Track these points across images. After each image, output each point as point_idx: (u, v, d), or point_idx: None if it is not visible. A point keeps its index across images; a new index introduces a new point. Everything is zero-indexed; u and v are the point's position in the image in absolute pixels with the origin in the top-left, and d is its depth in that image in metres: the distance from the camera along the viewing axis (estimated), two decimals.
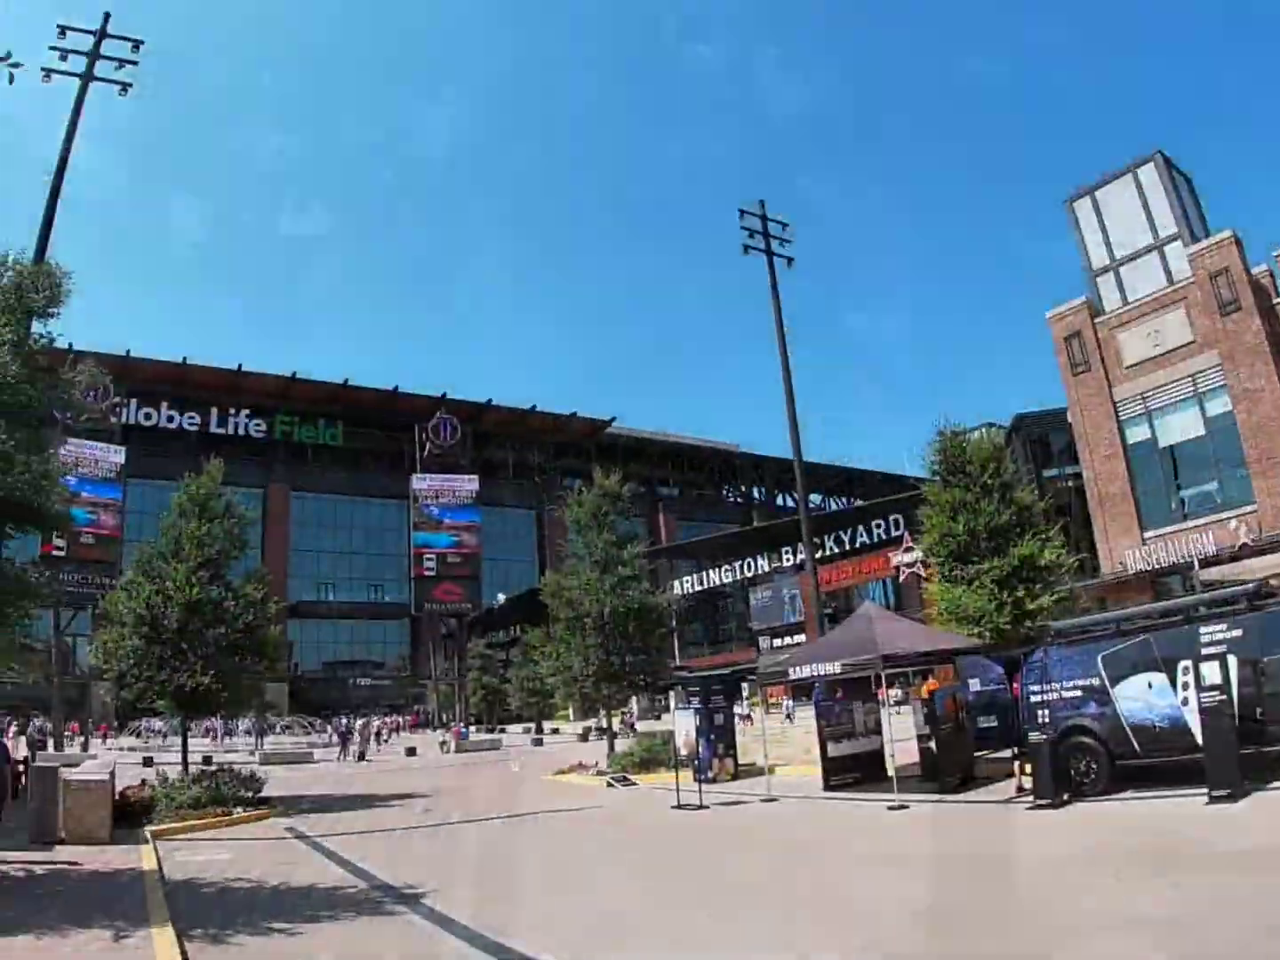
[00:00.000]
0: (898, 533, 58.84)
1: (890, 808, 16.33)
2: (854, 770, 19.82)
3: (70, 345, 50.96)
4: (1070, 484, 42.09)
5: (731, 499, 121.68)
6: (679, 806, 18.76)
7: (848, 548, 66.21)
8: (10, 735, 46.67)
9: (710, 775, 22.74)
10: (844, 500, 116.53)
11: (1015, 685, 17.16)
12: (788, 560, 69.73)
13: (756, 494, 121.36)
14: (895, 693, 36.08)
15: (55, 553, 56.12)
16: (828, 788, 19.35)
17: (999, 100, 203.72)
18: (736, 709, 36.81)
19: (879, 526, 63.72)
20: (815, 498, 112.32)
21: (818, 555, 49.94)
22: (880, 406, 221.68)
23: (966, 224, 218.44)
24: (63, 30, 24.35)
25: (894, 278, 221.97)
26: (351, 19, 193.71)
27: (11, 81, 4.68)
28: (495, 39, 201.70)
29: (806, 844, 14.25)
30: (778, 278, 34.34)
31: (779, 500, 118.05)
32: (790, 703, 46.57)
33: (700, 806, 18.71)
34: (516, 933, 9.19)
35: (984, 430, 27.03)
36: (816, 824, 16.40)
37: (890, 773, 17.78)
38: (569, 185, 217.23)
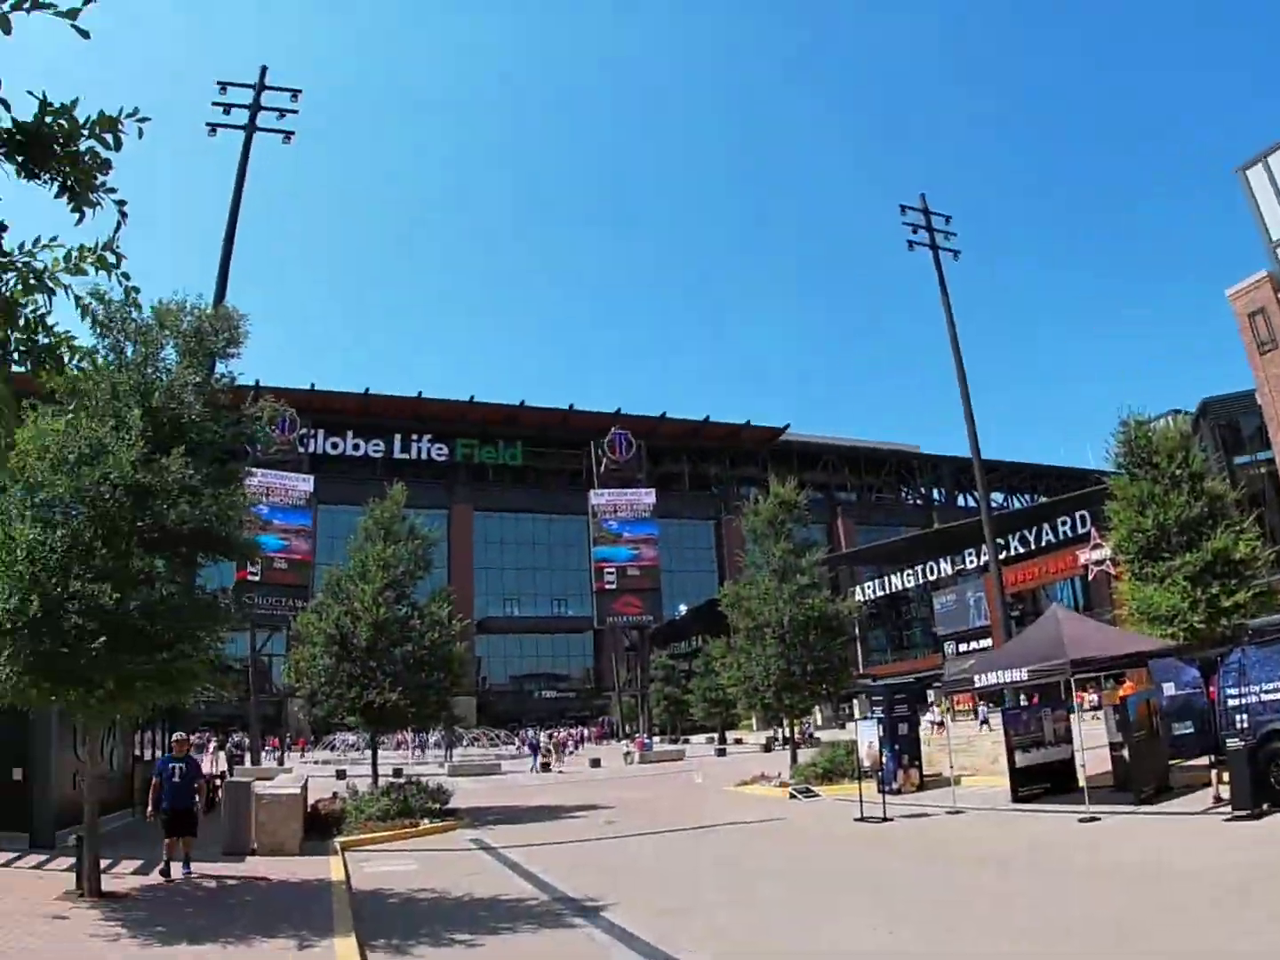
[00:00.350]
0: (1084, 530, 56.16)
1: (1080, 820, 15.66)
2: (1043, 780, 19.06)
3: (257, 382, 53.94)
4: (1264, 470, 39.40)
5: (911, 501, 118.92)
6: (862, 819, 18.42)
7: (1032, 547, 63.32)
8: (211, 751, 49.58)
9: (894, 787, 22.23)
10: (1027, 498, 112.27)
11: (1211, 688, 16.22)
12: (971, 562, 67.41)
13: (936, 495, 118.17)
14: (1093, 698, 34.63)
15: (250, 577, 59.01)
16: (1016, 799, 18.66)
17: (1152, 76, 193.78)
18: (929, 716, 35.86)
19: (1064, 524, 60.80)
20: (997, 496, 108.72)
21: (1001, 556, 48.26)
22: (1059, 398, 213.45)
23: (1127, 206, 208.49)
24: (223, 86, 25.77)
25: (1059, 265, 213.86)
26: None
27: (141, 136, 5.02)
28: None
29: (991, 858, 13.72)
30: (945, 272, 33.55)
31: (960, 500, 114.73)
32: (985, 709, 45.18)
33: (883, 819, 18.29)
34: (695, 949, 9.19)
35: (1169, 418, 25.65)
36: (1002, 837, 15.79)
37: (1081, 783, 17.01)
38: (731, 198, 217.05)
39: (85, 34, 4.02)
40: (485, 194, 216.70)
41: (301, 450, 72.51)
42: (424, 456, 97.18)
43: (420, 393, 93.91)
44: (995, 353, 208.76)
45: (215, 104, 25.51)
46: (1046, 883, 11.44)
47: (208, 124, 25.52)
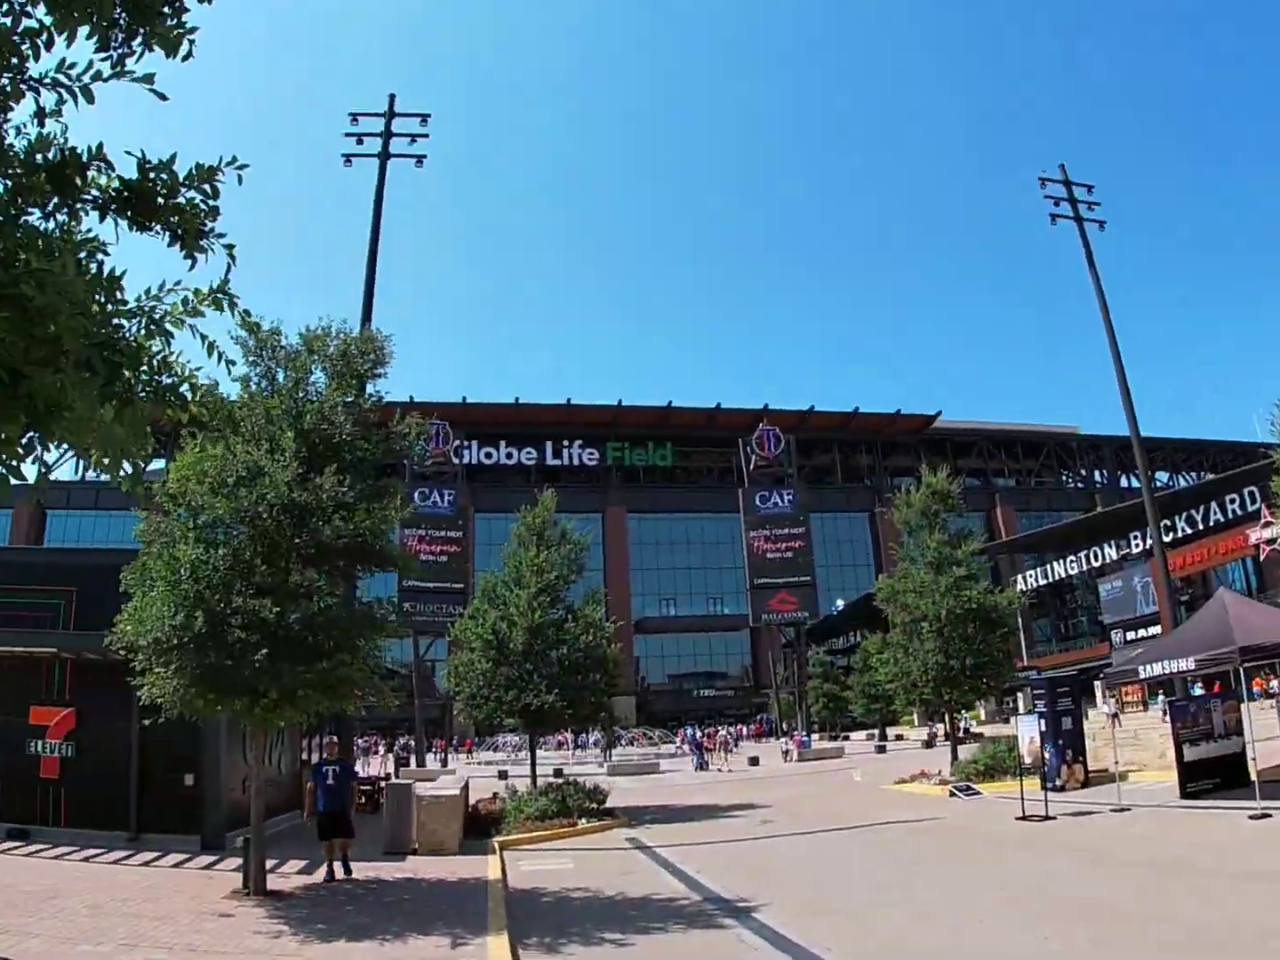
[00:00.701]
0: (1254, 506, 53.12)
1: (1251, 816, 14.95)
2: (1213, 775, 18.23)
3: (410, 397, 55.84)
4: None
5: (1072, 485, 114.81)
6: (1023, 817, 17.99)
7: (1200, 527, 59.82)
8: (380, 753, 51.41)
9: (1058, 783, 21.59)
10: (1193, 475, 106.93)
11: None
12: (1136, 546, 64.35)
13: (1098, 477, 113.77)
14: (1274, 685, 32.94)
15: (413, 585, 60.61)
16: (1184, 795, 17.94)
17: None
18: (1104, 709, 34.61)
19: (1233, 501, 57.05)
20: (1161, 476, 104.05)
21: (1168, 538, 46.20)
22: (1225, 368, 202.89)
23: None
24: (354, 117, 26.81)
25: (1220, 230, 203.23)
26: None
27: (241, 183, 5.42)
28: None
29: (1154, 860, 13.23)
30: (1091, 243, 32.48)
31: (1123, 482, 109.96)
32: (1163, 699, 43.35)
33: (1045, 817, 17.85)
34: (845, 950, 9.16)
35: None
36: (1168, 836, 15.22)
37: (1252, 777, 16.23)
38: (865, 183, 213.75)
39: (163, 96, 4.36)
40: (623, 200, 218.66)
41: (456, 461, 74.48)
42: (576, 462, 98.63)
43: (569, 399, 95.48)
44: (1154, 322, 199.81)
45: (347, 134, 26.65)
46: (1210, 886, 10.99)
47: (343, 155, 26.66)
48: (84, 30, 4.06)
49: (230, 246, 4.83)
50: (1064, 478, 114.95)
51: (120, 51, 4.22)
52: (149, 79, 4.24)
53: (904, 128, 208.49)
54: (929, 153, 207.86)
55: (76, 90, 4.07)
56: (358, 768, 36.21)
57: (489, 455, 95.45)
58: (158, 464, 19.38)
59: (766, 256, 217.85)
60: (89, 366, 3.79)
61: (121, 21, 4.13)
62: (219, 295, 4.73)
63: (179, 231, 4.64)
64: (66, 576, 19.02)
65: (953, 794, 23.67)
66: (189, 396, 4.81)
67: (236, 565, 12.31)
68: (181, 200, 4.60)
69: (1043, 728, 22.05)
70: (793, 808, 24.16)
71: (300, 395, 14.08)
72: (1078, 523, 77.19)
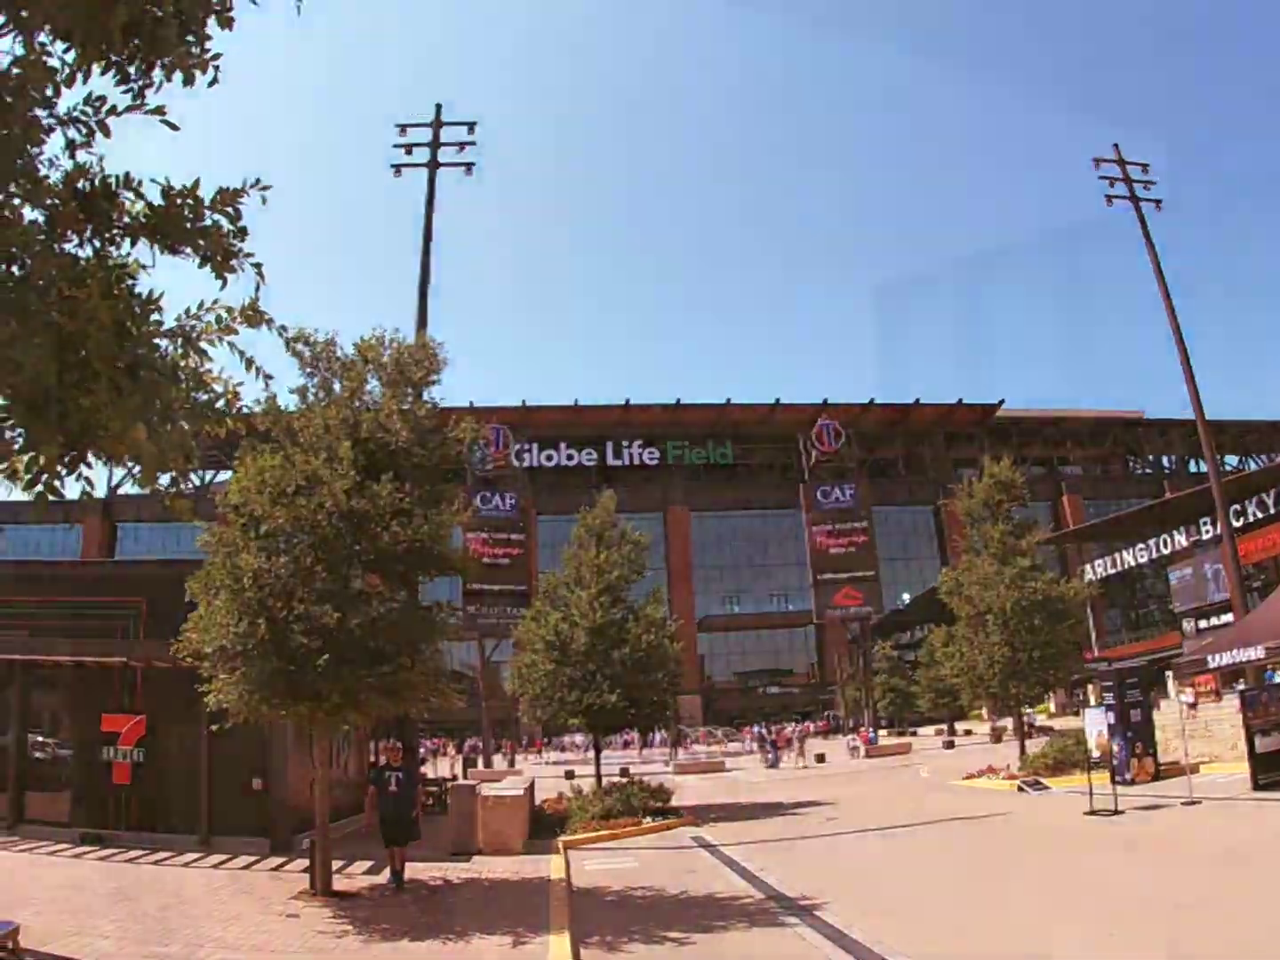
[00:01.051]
0: None
1: None
2: None
3: (471, 403, 56.41)
4: None
5: (1140, 470, 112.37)
6: (1091, 813, 17.80)
7: (1272, 511, 58.03)
8: (450, 754, 52.12)
9: (1128, 777, 21.28)
10: (1265, 458, 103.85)
11: None
12: (1206, 532, 62.81)
13: (1166, 462, 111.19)
14: None
15: (478, 588, 61.14)
16: (1255, 787, 17.62)
17: None
18: (1183, 698, 34.04)
19: None
20: (1231, 459, 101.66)
21: (1238, 523, 45.10)
22: None
23: None
24: (403, 128, 27.26)
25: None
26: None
27: (265, 203, 5.58)
28: None
29: (1223, 855, 13.01)
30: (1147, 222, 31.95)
31: (1192, 466, 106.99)
32: (1244, 686, 42.29)
33: (1115, 812, 17.63)
34: (907, 949, 9.11)
35: None
36: (1238, 830, 14.98)
37: None
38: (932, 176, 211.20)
39: (175, 126, 4.53)
40: (676, 199, 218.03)
41: (517, 464, 75.01)
42: (636, 462, 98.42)
43: (628, 400, 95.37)
44: (1220, 297, 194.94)
45: (396, 145, 27.07)
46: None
47: (392, 165, 27.11)
48: (101, 63, 4.24)
49: (259, 265, 4.99)
50: (1131, 464, 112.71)
51: (140, 84, 4.40)
52: (160, 111, 4.42)
53: (954, 109, 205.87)
54: (979, 137, 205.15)
55: (94, 125, 4.26)
56: (427, 769, 36.69)
57: (549, 458, 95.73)
58: (224, 475, 19.82)
59: (820, 251, 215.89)
60: (120, 387, 3.95)
61: (139, 54, 4.29)
62: (250, 312, 4.88)
63: (207, 254, 4.79)
64: (136, 587, 19.55)
65: (1021, 789, 23.40)
66: (225, 411, 4.97)
67: (297, 573, 12.55)
68: (207, 223, 4.76)
69: (1111, 720, 21.69)
70: (858, 805, 24.02)
71: (356, 405, 14.31)
72: (1145, 509, 75.52)
